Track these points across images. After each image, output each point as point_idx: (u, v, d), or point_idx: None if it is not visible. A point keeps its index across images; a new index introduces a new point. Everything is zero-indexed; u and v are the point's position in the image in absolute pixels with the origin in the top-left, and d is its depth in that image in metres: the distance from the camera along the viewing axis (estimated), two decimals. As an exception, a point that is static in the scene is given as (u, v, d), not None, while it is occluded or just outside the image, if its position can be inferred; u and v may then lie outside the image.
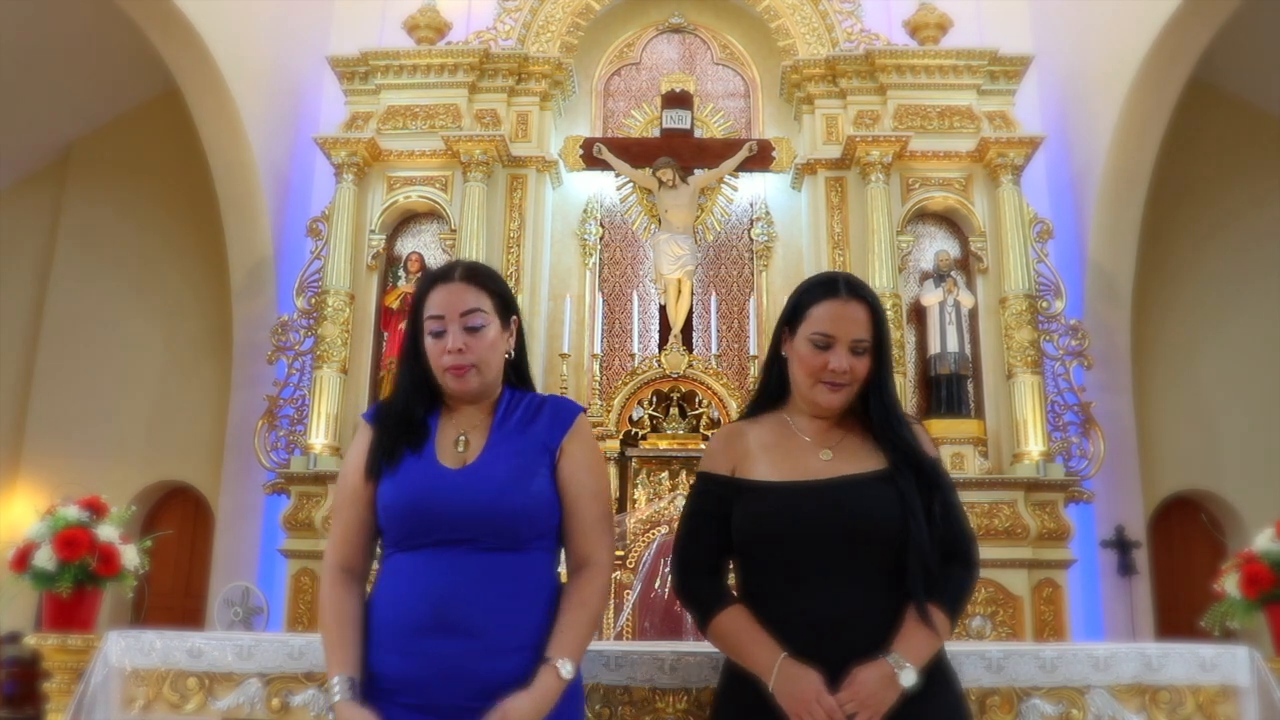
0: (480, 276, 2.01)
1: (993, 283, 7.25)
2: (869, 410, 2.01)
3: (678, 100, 8.09)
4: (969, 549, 1.98)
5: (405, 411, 1.99)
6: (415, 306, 2.00)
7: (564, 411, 2.04)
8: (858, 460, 1.98)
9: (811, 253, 7.60)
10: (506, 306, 2.04)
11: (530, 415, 2.02)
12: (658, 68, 8.45)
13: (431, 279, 2.02)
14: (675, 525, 5.82)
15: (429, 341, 1.96)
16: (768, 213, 8.01)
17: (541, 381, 7.53)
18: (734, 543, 1.98)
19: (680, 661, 2.53)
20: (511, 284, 7.37)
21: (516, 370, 2.10)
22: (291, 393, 7.23)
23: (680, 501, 6.23)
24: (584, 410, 2.08)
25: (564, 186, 8.03)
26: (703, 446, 6.84)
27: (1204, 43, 7.28)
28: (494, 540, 1.87)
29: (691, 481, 2.15)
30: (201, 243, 8.89)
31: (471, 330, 1.94)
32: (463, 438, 1.97)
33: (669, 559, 5.84)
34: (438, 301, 1.96)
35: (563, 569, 2.03)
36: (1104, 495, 7.34)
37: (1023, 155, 7.23)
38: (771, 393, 2.11)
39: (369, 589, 1.98)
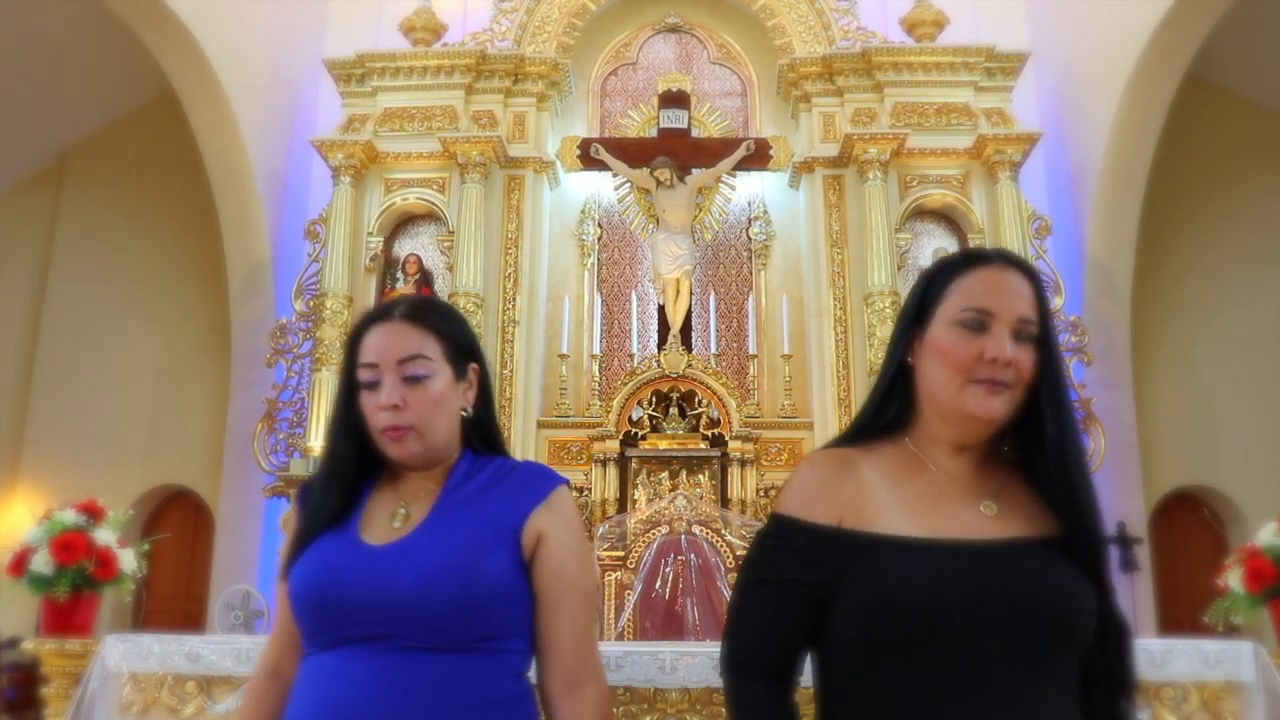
0: (426, 315, 1.60)
1: (992, 280, 7.22)
2: (1032, 441, 1.41)
3: (675, 100, 8.08)
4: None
5: (329, 482, 1.59)
6: (349, 352, 1.60)
7: (537, 480, 1.59)
8: (1029, 519, 1.38)
9: (810, 251, 7.59)
10: (463, 352, 1.62)
11: (492, 482, 1.58)
12: (654, 67, 8.44)
13: (367, 319, 1.62)
14: (674, 525, 5.80)
15: (363, 395, 1.56)
16: (766, 211, 8.00)
17: (540, 382, 7.52)
18: (843, 629, 1.35)
19: (681, 661, 2.52)
20: (510, 285, 7.36)
21: (479, 431, 1.65)
22: (290, 396, 7.22)
23: (681, 502, 6.21)
24: (566, 482, 1.62)
25: (561, 187, 8.03)
26: (703, 446, 6.87)
27: (1200, 38, 7.27)
28: (422, 638, 1.43)
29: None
30: (199, 246, 8.87)
31: (412, 381, 1.54)
32: (402, 510, 1.56)
33: (669, 559, 5.81)
34: (372, 346, 1.57)
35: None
36: (1105, 491, 7.28)
37: (1020, 152, 7.23)
38: (888, 414, 1.46)
39: None
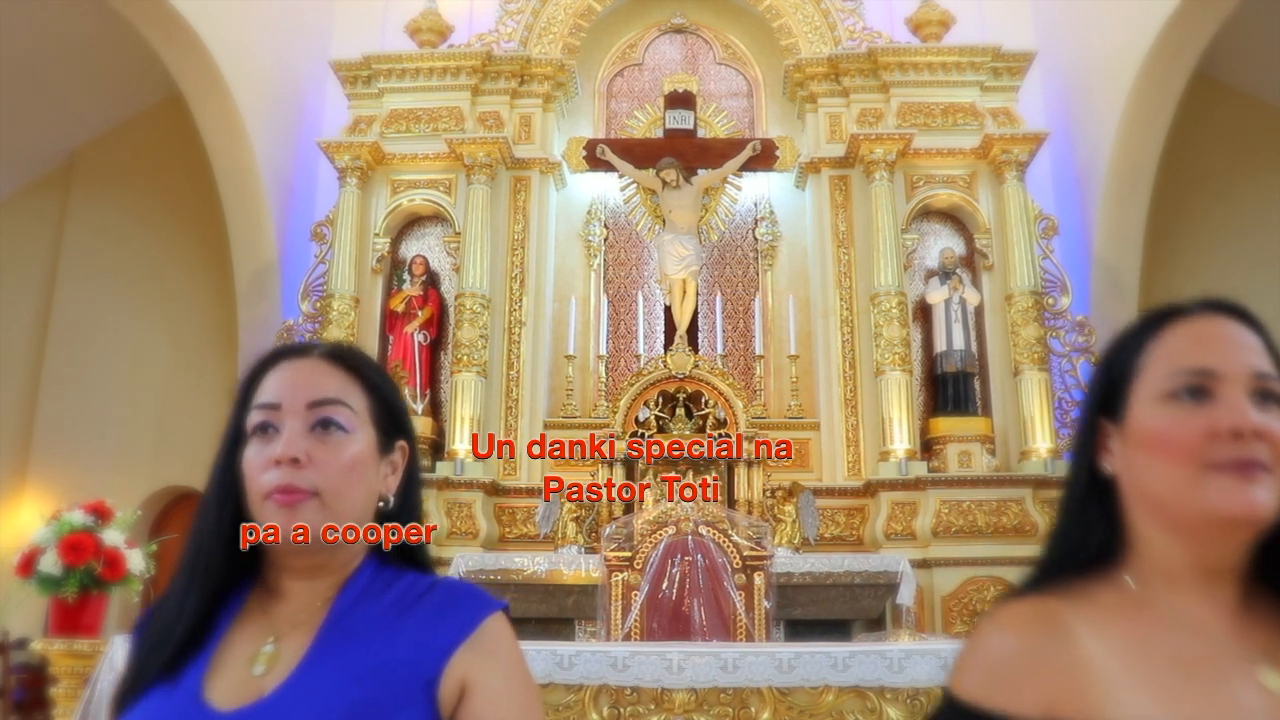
0: (354, 359, 1.19)
1: (998, 280, 7.23)
2: None
3: (680, 100, 8.08)
4: None
5: (186, 593, 1.12)
6: (241, 396, 1.17)
7: (460, 607, 1.11)
8: None
9: (816, 251, 7.59)
10: (393, 421, 1.20)
11: (399, 608, 1.11)
12: (660, 68, 8.44)
13: (273, 354, 1.20)
14: (681, 525, 5.82)
15: (249, 451, 1.11)
16: (772, 212, 8.00)
17: (547, 383, 7.52)
18: None
19: (688, 661, 2.52)
20: (516, 286, 7.36)
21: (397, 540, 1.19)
22: (297, 397, 7.23)
23: (687, 507, 6.20)
24: (503, 607, 1.14)
25: (568, 188, 8.04)
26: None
27: (1207, 36, 7.25)
28: None
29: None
30: (206, 247, 8.90)
31: (323, 429, 1.11)
32: (269, 646, 1.09)
33: (675, 559, 5.82)
34: (275, 384, 1.14)
35: None
36: (1112, 492, 7.30)
37: (1027, 151, 7.22)
38: (1090, 543, 1.06)
39: None
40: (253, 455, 1.10)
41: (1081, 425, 1.09)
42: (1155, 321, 1.06)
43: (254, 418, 1.12)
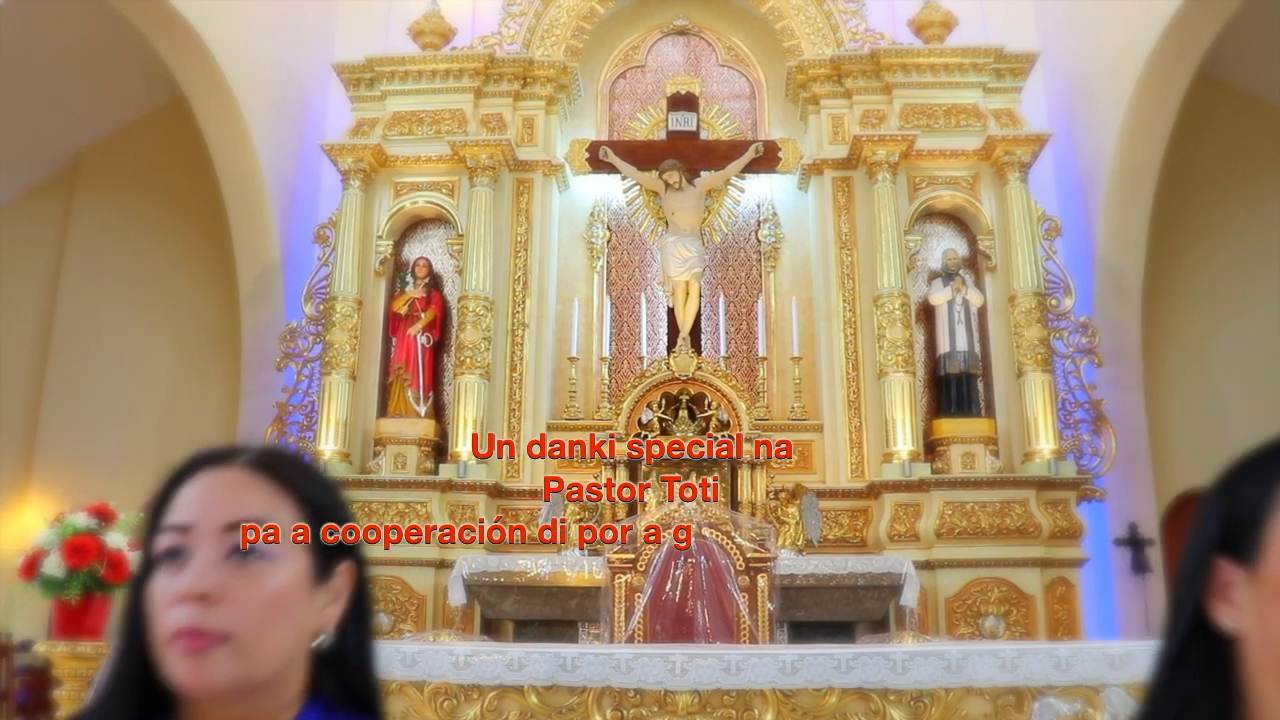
0: (284, 468, 1.01)
1: (1001, 281, 7.22)
2: None
3: (683, 102, 8.09)
4: None
5: None
6: (152, 514, 0.98)
7: None
8: None
9: (819, 253, 7.59)
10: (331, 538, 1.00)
11: None
12: (663, 70, 8.45)
13: (190, 462, 1.00)
14: (685, 529, 5.81)
15: (156, 581, 0.93)
16: (775, 214, 8.00)
17: (550, 385, 7.52)
18: None
19: (691, 664, 2.52)
20: (519, 288, 7.36)
21: (342, 673, 1.01)
22: (301, 399, 7.25)
23: (690, 509, 6.20)
24: None
25: (570, 190, 8.04)
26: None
27: (1210, 37, 7.24)
28: None
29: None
30: (209, 250, 8.91)
31: (241, 556, 0.93)
32: None
33: (679, 561, 5.82)
34: (188, 500, 0.96)
35: None
36: (1116, 493, 7.31)
37: (1030, 152, 7.21)
38: (1195, 709, 0.85)
39: None
40: (159, 587, 0.92)
41: (1190, 565, 0.88)
42: None
43: (161, 541, 0.94)
